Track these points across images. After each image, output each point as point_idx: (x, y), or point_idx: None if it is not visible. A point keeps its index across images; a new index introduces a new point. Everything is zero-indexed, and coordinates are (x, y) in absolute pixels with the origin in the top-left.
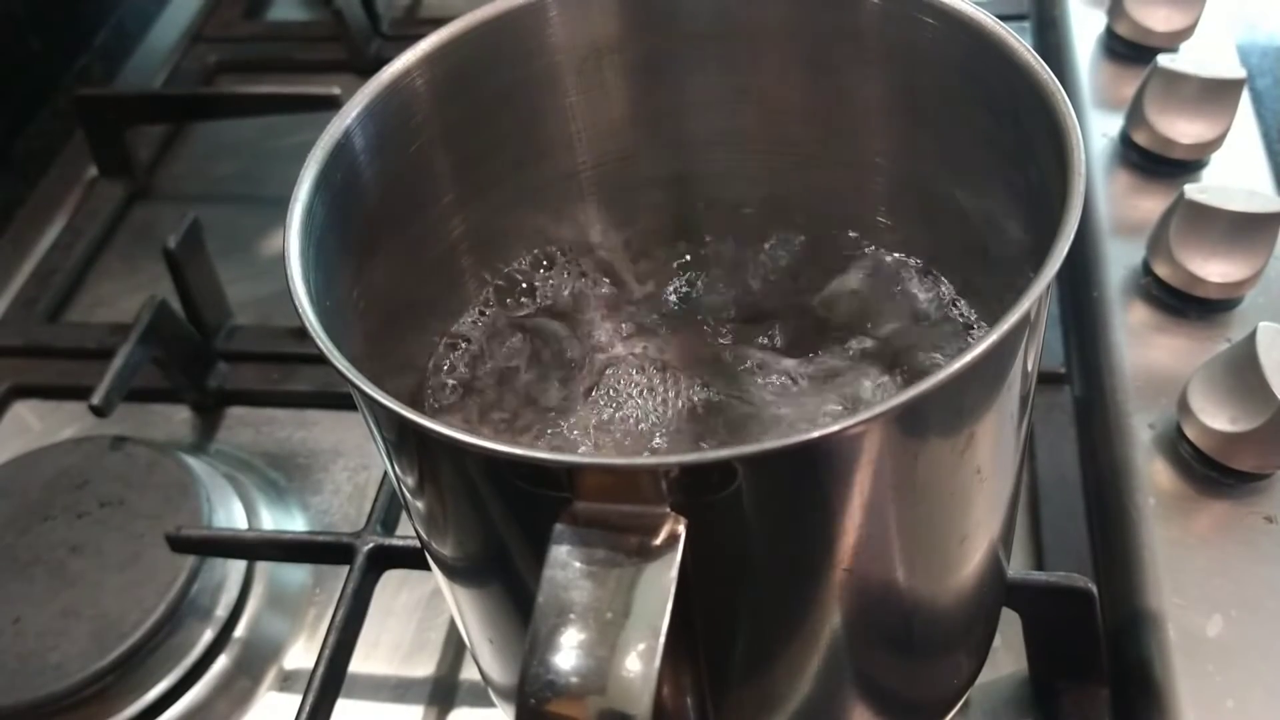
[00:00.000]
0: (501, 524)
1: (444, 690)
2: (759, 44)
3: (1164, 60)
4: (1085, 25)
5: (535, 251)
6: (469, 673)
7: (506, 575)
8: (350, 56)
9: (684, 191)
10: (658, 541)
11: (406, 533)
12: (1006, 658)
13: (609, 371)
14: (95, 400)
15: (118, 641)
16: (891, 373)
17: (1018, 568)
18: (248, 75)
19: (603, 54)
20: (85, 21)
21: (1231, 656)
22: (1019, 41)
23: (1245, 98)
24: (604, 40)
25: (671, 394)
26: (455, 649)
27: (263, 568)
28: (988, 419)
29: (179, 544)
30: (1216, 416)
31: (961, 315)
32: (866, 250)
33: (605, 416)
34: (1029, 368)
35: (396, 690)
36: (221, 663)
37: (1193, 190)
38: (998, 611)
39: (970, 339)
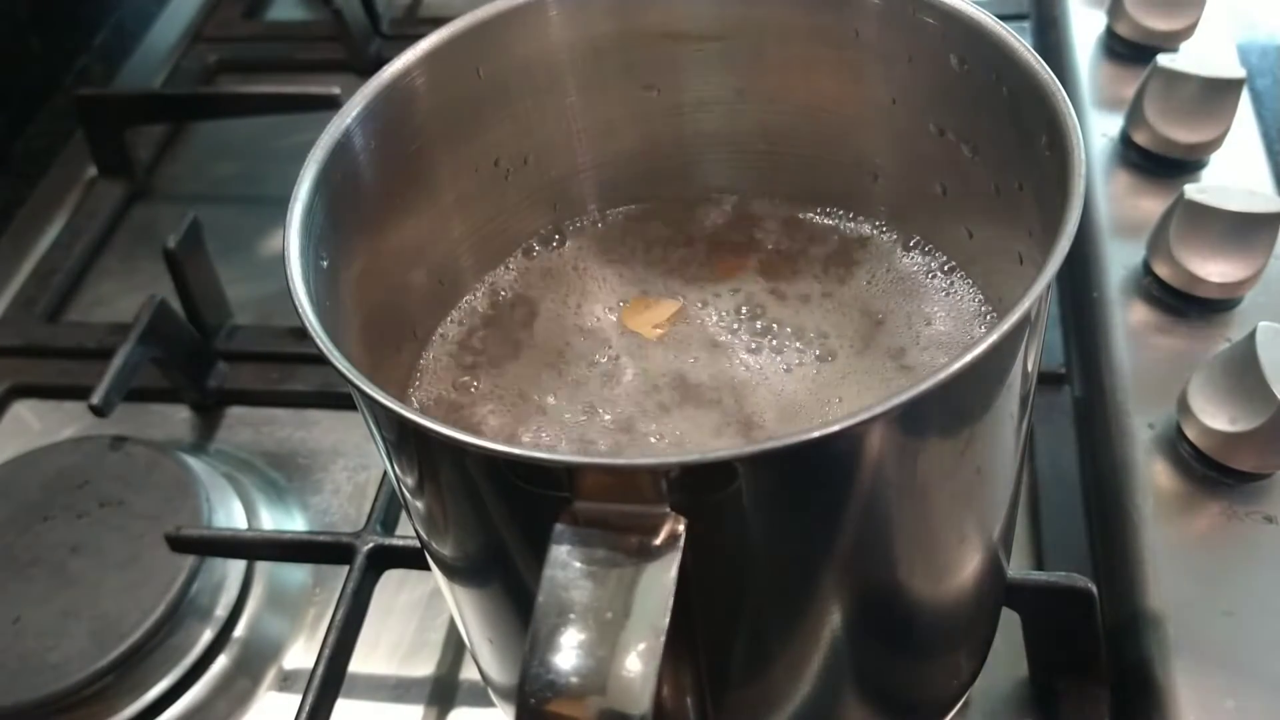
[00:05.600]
0: (501, 524)
1: (444, 690)
2: (759, 44)
3: (1164, 60)
4: (1085, 25)
5: (535, 251)
6: (469, 673)
7: (506, 575)
8: (350, 56)
9: (684, 192)
10: (658, 541)
11: (406, 533)
12: (1006, 658)
13: (609, 369)
14: (95, 400)
15: (117, 641)
16: (889, 370)
17: (1018, 568)
18: (248, 75)
19: (603, 54)
20: (85, 21)
21: (1231, 656)
22: (1019, 41)
23: (1245, 98)
24: (604, 40)
25: (672, 391)
26: (455, 649)
27: (262, 568)
28: (988, 419)
29: (179, 544)
30: (1216, 416)
31: (959, 313)
32: (866, 249)
33: (606, 414)
34: (1029, 368)
35: (396, 690)
36: (221, 663)
37: (1193, 190)
38: (998, 611)
39: (968, 338)
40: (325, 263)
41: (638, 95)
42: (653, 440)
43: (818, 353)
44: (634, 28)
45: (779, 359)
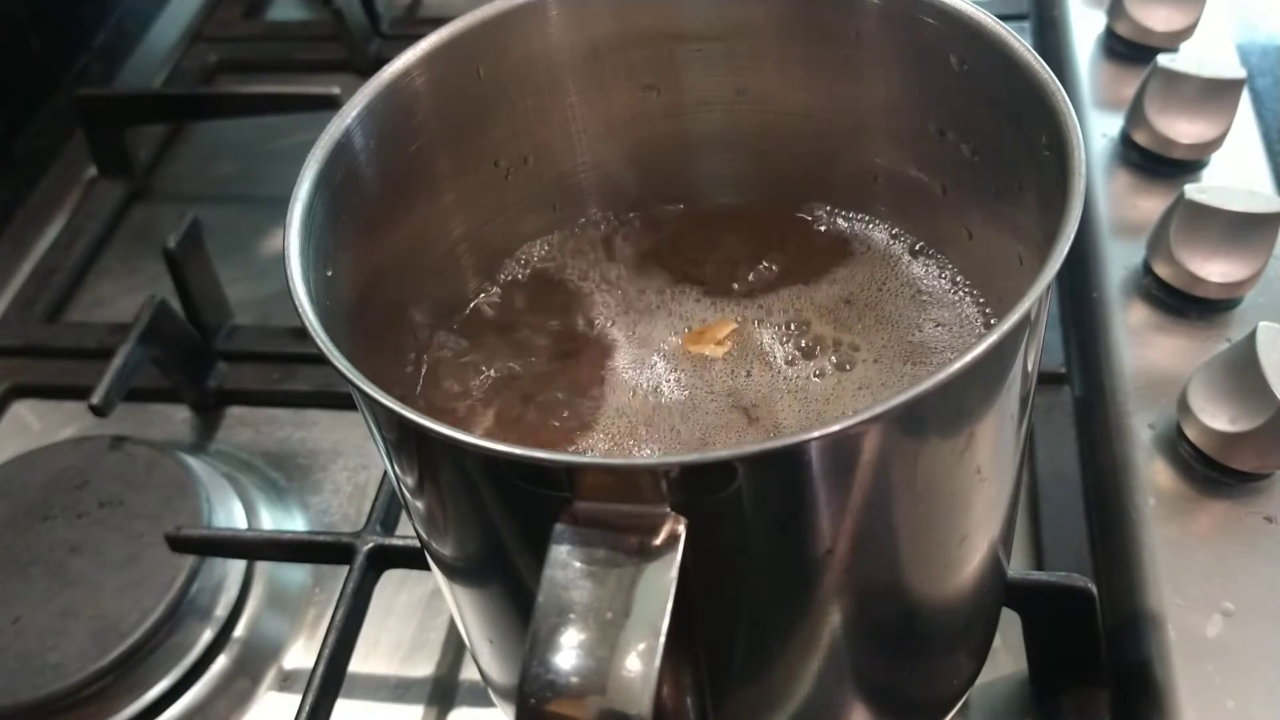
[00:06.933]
0: (501, 524)
1: (444, 690)
2: (759, 44)
3: (1164, 60)
4: (1085, 25)
5: (535, 251)
6: (469, 673)
7: (506, 575)
8: (350, 56)
9: (684, 191)
10: (658, 541)
11: (406, 533)
12: (1006, 658)
13: (609, 369)
14: (95, 400)
15: (117, 641)
16: (890, 369)
17: (1018, 568)
18: (248, 75)
19: (603, 54)
20: (85, 21)
21: (1231, 656)
22: (1019, 41)
23: (1245, 98)
24: (604, 40)
25: (671, 389)
26: (455, 649)
27: (262, 568)
28: (988, 419)
29: (179, 544)
30: (1216, 416)
31: (960, 314)
32: (866, 249)
33: (606, 414)
34: (1029, 368)
35: (396, 690)
36: (221, 663)
37: (1193, 190)
38: (998, 611)
39: (969, 338)
40: (325, 263)
41: (638, 95)
42: (655, 440)
43: (834, 359)
44: (634, 28)
45: (799, 368)
